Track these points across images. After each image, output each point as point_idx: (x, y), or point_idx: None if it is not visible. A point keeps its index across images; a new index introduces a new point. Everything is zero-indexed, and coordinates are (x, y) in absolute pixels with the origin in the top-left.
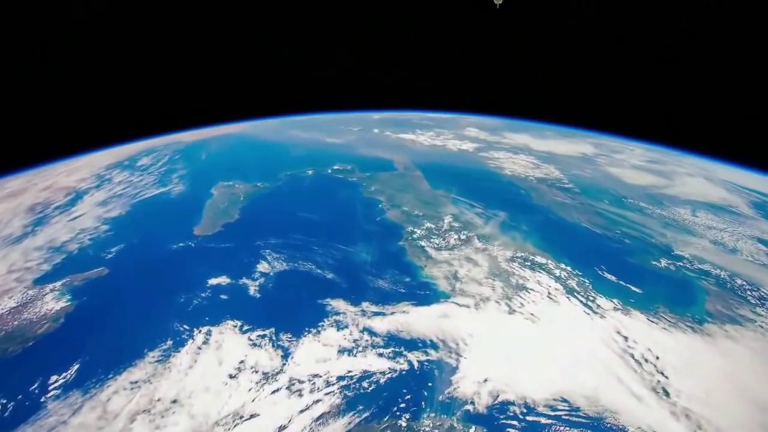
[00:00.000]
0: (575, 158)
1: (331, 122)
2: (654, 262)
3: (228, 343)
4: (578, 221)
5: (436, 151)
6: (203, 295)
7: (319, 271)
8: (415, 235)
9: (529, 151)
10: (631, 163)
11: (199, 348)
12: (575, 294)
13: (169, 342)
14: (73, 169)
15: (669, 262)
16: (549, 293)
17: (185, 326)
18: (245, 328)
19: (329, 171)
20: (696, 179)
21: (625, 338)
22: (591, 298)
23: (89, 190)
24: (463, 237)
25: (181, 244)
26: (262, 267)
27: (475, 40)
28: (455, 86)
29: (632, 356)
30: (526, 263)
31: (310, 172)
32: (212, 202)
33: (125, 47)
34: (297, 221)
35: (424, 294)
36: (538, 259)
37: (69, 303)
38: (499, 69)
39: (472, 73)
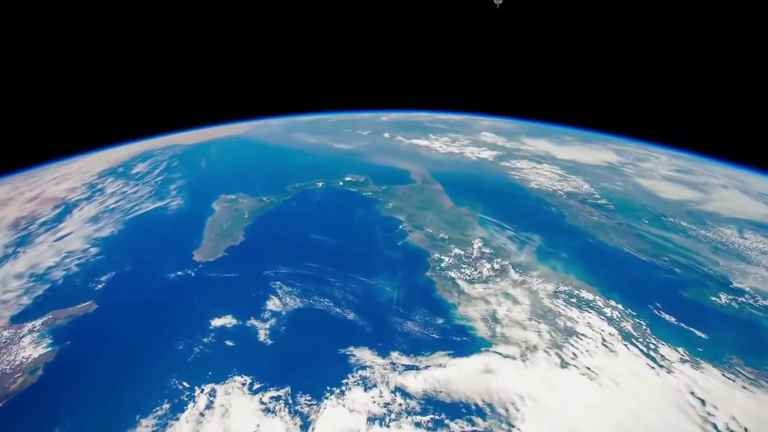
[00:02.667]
0: (601, 168)
1: (338, 125)
2: (713, 298)
3: (236, 408)
4: (620, 246)
5: (454, 160)
6: (205, 340)
7: (338, 309)
8: (443, 264)
9: (552, 159)
10: (660, 173)
11: (202, 414)
12: (633, 341)
13: (166, 405)
14: (64, 176)
15: (729, 297)
16: (604, 340)
17: (185, 384)
18: (256, 387)
19: (341, 183)
20: (732, 192)
21: (702, 402)
22: (652, 346)
23: (79, 202)
24: (496, 266)
25: (179, 273)
26: (273, 304)
27: (482, 39)
28: (464, 87)
29: (715, 427)
30: (572, 300)
31: (320, 184)
32: (214, 219)
33: (122, 43)
34: (309, 246)
35: (461, 341)
36: (585, 294)
37: (50, 349)
38: (511, 69)
39: (481, 74)
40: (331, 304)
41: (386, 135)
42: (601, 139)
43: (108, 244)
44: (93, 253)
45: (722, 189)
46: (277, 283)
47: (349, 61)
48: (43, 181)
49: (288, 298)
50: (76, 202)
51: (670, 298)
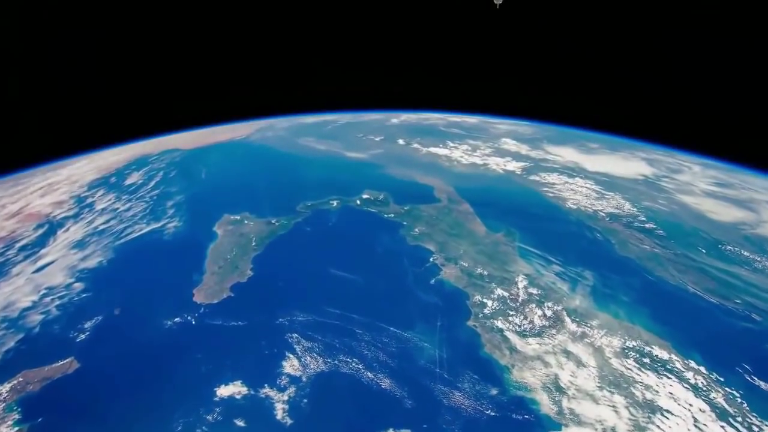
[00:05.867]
0: (638, 183)
1: (347, 128)
2: None
3: None
4: (683, 284)
5: (479, 174)
6: (210, 418)
7: (369, 374)
8: (486, 310)
9: (584, 172)
10: (700, 187)
11: None
12: (731, 420)
13: None
14: (51, 185)
15: None
16: (695, 419)
17: None
18: None
19: (358, 202)
20: None
21: None
22: (755, 428)
23: (65, 220)
24: (549, 313)
25: (177, 320)
26: (290, 366)
27: (488, 39)
28: (473, 86)
29: None
30: (644, 360)
31: (335, 203)
32: (216, 247)
33: (117, 40)
34: (329, 284)
35: (524, 420)
36: (658, 352)
37: (16, 429)
38: (523, 68)
39: (493, 73)
40: (360, 366)
41: (401, 141)
42: (626, 145)
43: (95, 278)
44: (77, 289)
45: None
46: (294, 335)
47: (353, 60)
48: (28, 191)
49: (308, 357)
50: (61, 220)
51: (759, 357)
